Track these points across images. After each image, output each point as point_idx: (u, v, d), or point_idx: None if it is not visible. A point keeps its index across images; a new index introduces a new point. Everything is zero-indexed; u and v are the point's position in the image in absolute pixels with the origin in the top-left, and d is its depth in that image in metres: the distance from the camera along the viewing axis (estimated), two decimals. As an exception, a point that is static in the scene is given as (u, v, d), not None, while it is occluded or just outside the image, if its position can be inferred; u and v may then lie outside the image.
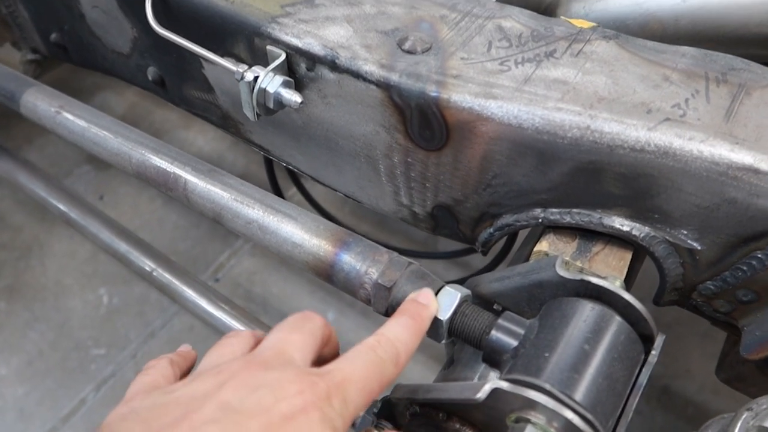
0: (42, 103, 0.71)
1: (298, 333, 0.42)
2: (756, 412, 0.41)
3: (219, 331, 1.19)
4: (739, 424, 0.40)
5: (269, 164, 1.03)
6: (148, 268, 0.88)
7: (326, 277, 0.52)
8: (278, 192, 1.04)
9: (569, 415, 0.38)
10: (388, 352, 0.40)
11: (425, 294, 0.44)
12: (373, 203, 0.58)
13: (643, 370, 0.43)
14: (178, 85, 0.65)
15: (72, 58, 0.81)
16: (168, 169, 0.60)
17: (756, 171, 0.41)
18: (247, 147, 1.58)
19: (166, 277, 0.87)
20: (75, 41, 0.76)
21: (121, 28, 0.66)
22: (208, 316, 0.85)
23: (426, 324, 0.44)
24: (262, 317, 1.32)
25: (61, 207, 0.96)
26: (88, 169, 1.84)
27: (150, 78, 0.67)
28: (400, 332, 0.42)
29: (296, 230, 0.52)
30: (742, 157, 0.41)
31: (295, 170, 0.62)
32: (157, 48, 0.62)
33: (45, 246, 1.66)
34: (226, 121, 0.64)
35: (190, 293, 0.86)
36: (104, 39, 0.70)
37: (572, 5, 0.69)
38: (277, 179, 1.17)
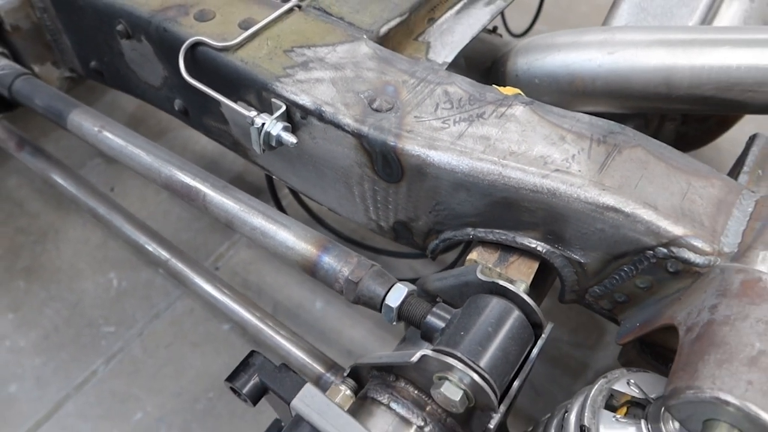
0: (86, 123, 0.88)
1: None
2: (609, 379, 0.59)
3: (221, 313, 1.37)
4: (595, 388, 0.58)
5: (269, 177, 1.20)
6: (164, 258, 1.05)
7: (311, 272, 0.69)
8: (276, 198, 1.20)
9: (474, 375, 0.55)
10: None
11: None
12: (349, 216, 0.76)
13: (535, 347, 0.61)
14: (199, 116, 0.82)
15: (107, 82, 0.98)
16: (190, 184, 0.77)
17: (615, 209, 0.59)
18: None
19: (179, 266, 1.04)
20: (112, 70, 0.93)
21: (154, 68, 0.83)
22: (214, 301, 1.02)
23: None
24: (257, 303, 1.50)
25: (90, 203, 1.13)
26: (99, 162, 2.01)
27: (176, 108, 0.84)
28: None
29: (289, 236, 0.70)
30: (607, 199, 0.59)
31: (289, 187, 0.79)
32: (184, 87, 0.79)
33: (60, 232, 1.82)
34: (236, 146, 0.81)
35: (199, 281, 1.03)
36: (139, 73, 0.87)
37: (518, 59, 0.86)
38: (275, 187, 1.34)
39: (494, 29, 1.23)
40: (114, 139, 0.84)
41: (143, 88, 0.89)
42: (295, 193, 1.26)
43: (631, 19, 0.90)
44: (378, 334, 1.64)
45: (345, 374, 0.68)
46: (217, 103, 0.76)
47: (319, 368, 0.90)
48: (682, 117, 0.96)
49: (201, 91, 0.74)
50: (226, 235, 1.84)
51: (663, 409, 0.52)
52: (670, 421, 0.52)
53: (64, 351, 1.59)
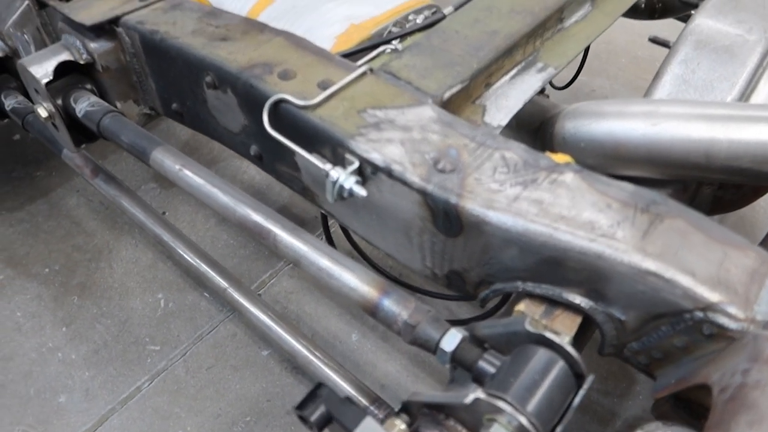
0: (168, 161, 0.98)
1: None
2: (645, 431, 0.64)
3: (262, 339, 1.43)
4: (631, 438, 0.64)
5: (324, 215, 1.28)
6: (222, 286, 1.14)
7: (371, 313, 0.76)
8: (328, 233, 1.28)
9: (522, 419, 0.61)
10: None
11: None
12: (405, 262, 0.83)
13: (576, 396, 0.67)
14: (273, 162, 0.91)
15: (185, 122, 1.08)
16: (263, 224, 0.85)
17: (656, 275, 0.65)
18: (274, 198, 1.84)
19: (235, 294, 1.13)
20: (192, 113, 1.03)
21: (235, 117, 0.92)
22: (267, 329, 1.09)
23: None
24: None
25: (156, 230, 1.23)
26: (154, 186, 2.13)
27: (251, 153, 0.93)
28: None
29: (353, 278, 0.77)
30: (648, 265, 0.65)
31: (351, 231, 0.87)
32: (262, 135, 0.88)
33: (113, 251, 1.94)
34: (305, 191, 0.90)
35: (253, 308, 1.11)
36: (219, 118, 0.97)
37: (566, 124, 0.94)
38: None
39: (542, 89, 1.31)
40: (193, 177, 0.93)
41: (221, 132, 0.98)
42: (344, 230, 1.34)
43: (673, 90, 0.97)
44: (412, 371, 1.70)
45: (397, 409, 0.74)
46: (292, 152, 0.85)
47: (363, 401, 0.96)
48: (719, 183, 1.02)
49: (278, 141, 0.82)
50: (269, 264, 1.93)
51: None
52: (702, 474, 0.57)
53: (112, 366, 1.69)
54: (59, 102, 1.12)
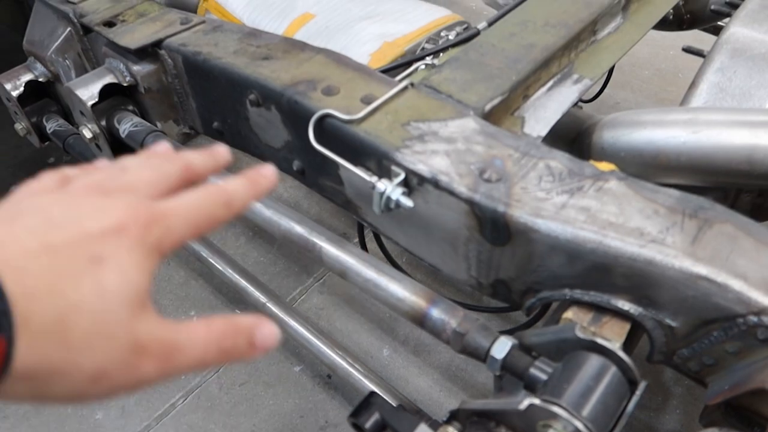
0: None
1: (150, 171, 0.45)
2: (703, 437, 0.64)
3: (293, 355, 1.44)
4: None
5: (360, 225, 1.29)
6: (262, 300, 1.16)
7: (419, 323, 0.77)
8: (363, 243, 1.29)
9: (578, 424, 0.61)
10: (220, 196, 0.45)
11: (267, 169, 0.50)
12: (450, 273, 0.84)
13: (630, 402, 0.67)
14: (315, 176, 0.93)
15: (225, 140, 1.11)
16: (308, 237, 0.87)
17: (708, 279, 0.65)
18: (319, 196, 1.88)
19: (275, 309, 1.14)
20: (233, 131, 1.06)
21: (278, 133, 0.95)
22: (308, 343, 1.10)
23: (262, 189, 0.49)
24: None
25: (194, 246, 1.25)
26: (184, 206, 2.16)
27: (294, 168, 0.95)
28: (238, 186, 0.47)
29: (400, 289, 0.78)
30: (700, 269, 0.65)
31: (396, 243, 0.89)
32: (305, 150, 0.91)
33: (147, 270, 1.96)
34: (348, 205, 0.91)
35: (292, 323, 1.13)
36: (260, 135, 0.99)
37: (604, 134, 0.95)
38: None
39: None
40: (237, 193, 0.95)
41: (262, 148, 1.01)
42: (378, 238, 1.35)
43: (709, 99, 0.97)
44: (444, 385, 1.70)
45: (445, 418, 0.74)
46: (335, 166, 0.87)
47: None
48: (759, 190, 1.02)
49: (321, 156, 0.84)
50: (299, 281, 1.95)
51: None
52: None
53: (147, 383, 1.70)
54: (103, 123, 1.16)
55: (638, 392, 0.67)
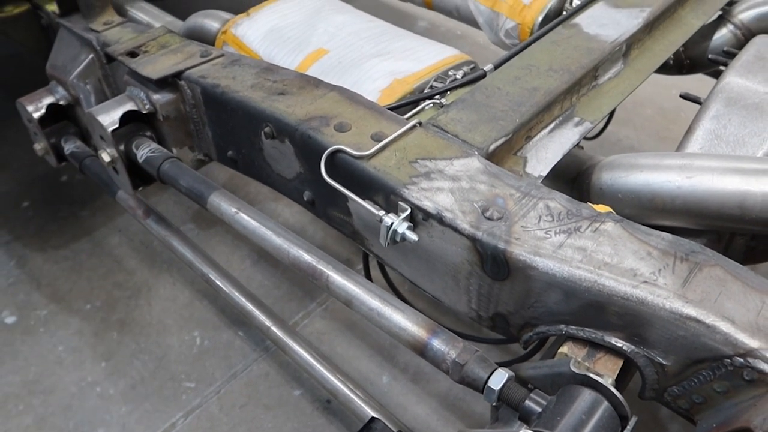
0: (224, 204, 1.04)
1: None
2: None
3: (293, 379, 1.46)
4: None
5: (365, 254, 1.33)
6: (267, 324, 1.19)
7: (420, 353, 0.80)
8: (367, 271, 1.32)
9: (569, 456, 0.64)
10: None
11: None
12: (451, 305, 0.88)
13: (620, 437, 0.69)
14: (324, 207, 0.97)
15: (239, 169, 1.15)
16: (316, 265, 0.90)
17: (697, 320, 0.69)
18: (324, 223, 1.92)
19: (279, 333, 1.18)
20: (247, 160, 1.10)
21: (290, 164, 0.99)
22: (310, 368, 1.13)
23: None
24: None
25: (203, 269, 1.29)
26: (192, 227, 2.20)
27: (305, 199, 0.99)
28: None
29: (403, 319, 0.82)
30: (689, 311, 0.69)
31: (399, 274, 0.92)
32: (316, 182, 0.95)
33: (152, 289, 2.00)
34: (355, 235, 0.95)
35: (296, 347, 1.16)
36: (273, 166, 1.04)
37: (603, 175, 0.99)
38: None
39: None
40: (248, 220, 0.99)
41: (274, 178, 1.05)
42: (382, 267, 1.38)
43: (705, 145, 1.02)
44: (442, 414, 1.72)
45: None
46: (345, 198, 0.91)
47: None
48: (752, 234, 1.05)
49: (332, 189, 0.88)
50: (302, 305, 1.98)
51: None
52: None
53: (148, 402, 1.73)
54: (122, 147, 1.20)
55: (629, 427, 0.70)
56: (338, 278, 0.88)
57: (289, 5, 1.47)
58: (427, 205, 0.80)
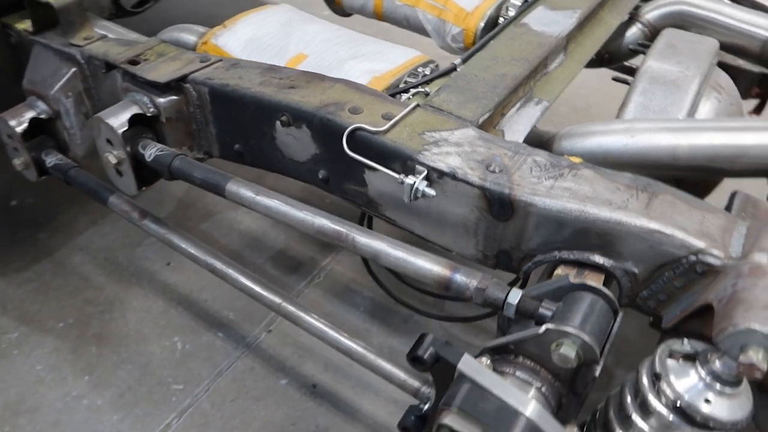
0: (242, 190, 1.17)
1: None
2: (667, 343, 0.88)
3: (279, 369, 1.57)
4: (660, 348, 0.87)
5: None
6: (278, 301, 1.32)
7: (445, 287, 0.98)
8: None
9: (585, 337, 0.84)
10: None
11: None
12: (459, 250, 1.06)
13: (614, 326, 0.90)
14: (340, 182, 1.14)
15: (244, 161, 1.29)
16: (341, 229, 1.06)
17: (659, 232, 0.91)
18: (284, 226, 2.06)
19: (290, 308, 1.31)
20: (255, 151, 1.24)
21: (304, 148, 1.15)
22: (323, 334, 1.27)
23: None
24: (306, 361, 1.76)
25: (208, 259, 1.40)
26: (155, 240, 2.25)
27: (319, 177, 1.15)
28: None
29: (426, 263, 0.99)
30: (653, 225, 0.91)
31: (411, 232, 1.10)
32: (332, 161, 1.11)
33: (125, 302, 2.05)
34: (369, 204, 1.12)
35: (307, 318, 1.29)
36: (285, 152, 1.19)
37: (562, 143, 1.22)
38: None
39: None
40: (269, 201, 1.13)
41: (286, 163, 1.20)
42: (364, 260, 1.55)
43: (637, 114, 1.28)
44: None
45: (476, 355, 0.94)
46: (361, 171, 1.08)
47: (416, 383, 1.15)
48: (677, 182, 1.32)
49: (347, 163, 1.05)
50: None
51: (709, 353, 0.82)
52: (716, 361, 0.81)
53: (139, 407, 1.78)
54: (128, 149, 1.30)
55: (619, 318, 0.91)
56: (363, 238, 1.04)
57: (263, 16, 1.63)
58: (442, 165, 0.98)
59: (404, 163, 1.02)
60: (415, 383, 1.16)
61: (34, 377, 1.82)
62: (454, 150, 1.01)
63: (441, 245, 1.09)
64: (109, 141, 1.31)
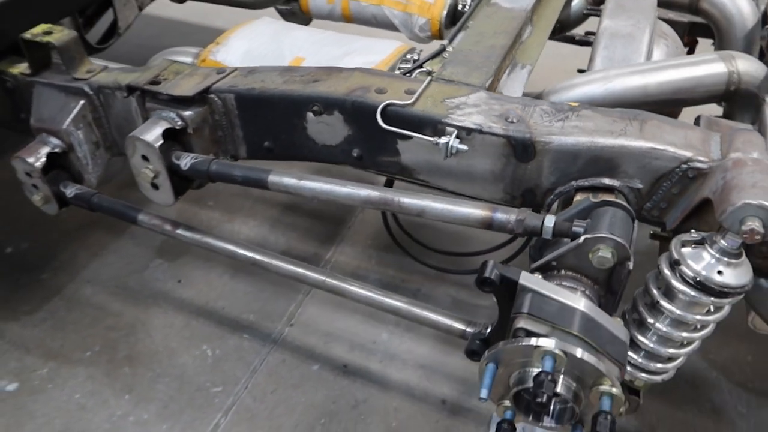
0: (285, 178, 1.31)
1: None
2: (678, 238, 1.08)
3: (310, 357, 1.71)
4: (674, 240, 1.07)
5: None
6: (321, 278, 1.46)
7: (488, 225, 1.15)
8: (387, 222, 1.64)
9: (618, 239, 1.03)
10: None
11: None
12: (488, 195, 1.24)
13: (634, 230, 1.10)
14: (372, 157, 1.30)
15: (274, 155, 1.43)
16: (386, 195, 1.22)
17: (654, 149, 1.12)
18: (284, 228, 2.19)
19: (336, 282, 1.45)
20: (286, 144, 1.39)
21: (336, 132, 1.30)
22: (371, 301, 1.41)
23: None
24: (333, 346, 1.90)
25: (252, 255, 1.52)
26: (160, 262, 2.34)
27: (354, 155, 1.30)
28: None
29: (468, 209, 1.16)
30: (649, 144, 1.12)
31: (443, 189, 1.27)
32: (365, 138, 1.27)
33: (147, 323, 2.12)
34: (402, 171, 1.28)
35: (353, 288, 1.43)
36: (318, 139, 1.34)
37: (551, 97, 1.42)
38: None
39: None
40: (313, 184, 1.27)
41: (318, 149, 1.35)
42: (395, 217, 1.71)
43: (604, 65, 1.50)
44: (441, 348, 2.06)
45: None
46: (394, 141, 1.24)
47: (461, 326, 1.32)
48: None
49: (381, 137, 1.22)
50: (291, 298, 2.22)
51: (714, 235, 1.02)
52: (721, 240, 1.01)
53: (185, 414, 1.87)
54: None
55: (636, 225, 1.11)
56: (408, 199, 1.19)
57: (251, 30, 1.77)
58: (469, 123, 1.16)
59: (435, 127, 1.19)
60: (461, 326, 1.33)
61: (75, 405, 1.88)
62: (474, 110, 1.19)
63: (472, 195, 1.27)
64: (144, 157, 1.41)
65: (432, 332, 2.08)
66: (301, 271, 1.50)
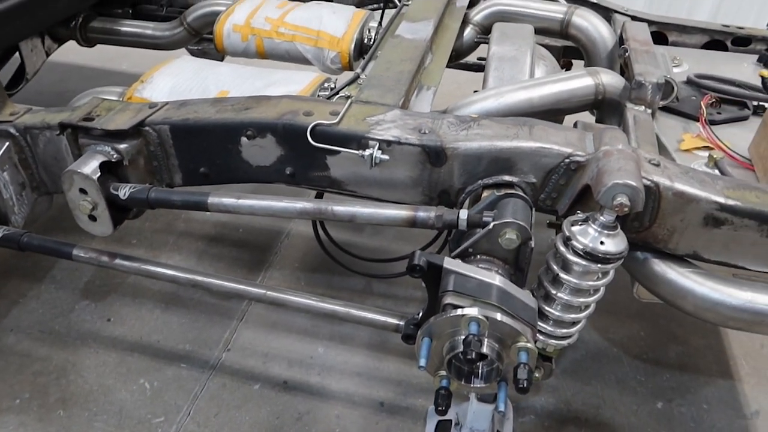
0: (224, 198, 1.45)
1: None
2: (568, 219, 1.33)
3: (250, 378, 1.83)
4: (565, 221, 1.31)
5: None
6: (261, 291, 1.58)
7: (411, 224, 1.34)
8: (320, 231, 1.80)
9: (520, 223, 1.25)
10: None
11: None
12: (410, 199, 1.44)
13: (532, 215, 1.33)
14: (304, 173, 1.46)
15: (210, 180, 1.56)
16: (319, 206, 1.39)
17: (543, 148, 1.37)
18: (211, 260, 2.30)
19: (276, 294, 1.58)
20: (221, 169, 1.53)
21: (269, 153, 1.46)
22: (308, 307, 1.56)
23: None
24: (271, 365, 2.02)
25: (193, 277, 1.62)
26: (87, 303, 2.36)
27: (287, 173, 1.47)
28: None
29: (392, 211, 1.35)
30: (538, 144, 1.37)
31: (369, 197, 1.46)
32: (296, 157, 1.44)
33: (77, 364, 2.14)
34: (332, 183, 1.46)
35: (294, 297, 1.57)
36: (252, 161, 1.49)
37: (454, 113, 1.66)
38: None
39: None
40: (251, 202, 1.42)
41: (253, 171, 1.50)
42: (318, 239, 1.87)
43: (495, 83, 1.76)
44: (375, 355, 2.23)
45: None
46: (323, 157, 1.42)
47: (394, 320, 1.50)
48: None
49: (311, 154, 1.39)
50: (225, 325, 2.32)
51: (595, 213, 1.27)
52: (600, 217, 1.26)
53: (129, 447, 1.90)
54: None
55: (533, 212, 1.35)
56: (339, 207, 1.37)
57: (174, 67, 1.90)
58: (388, 136, 1.36)
59: (359, 141, 1.38)
60: (395, 320, 1.50)
61: (9, 454, 1.86)
62: (392, 125, 1.40)
63: (395, 200, 1.46)
64: (82, 190, 1.50)
65: (365, 342, 2.25)
66: (242, 287, 1.62)
